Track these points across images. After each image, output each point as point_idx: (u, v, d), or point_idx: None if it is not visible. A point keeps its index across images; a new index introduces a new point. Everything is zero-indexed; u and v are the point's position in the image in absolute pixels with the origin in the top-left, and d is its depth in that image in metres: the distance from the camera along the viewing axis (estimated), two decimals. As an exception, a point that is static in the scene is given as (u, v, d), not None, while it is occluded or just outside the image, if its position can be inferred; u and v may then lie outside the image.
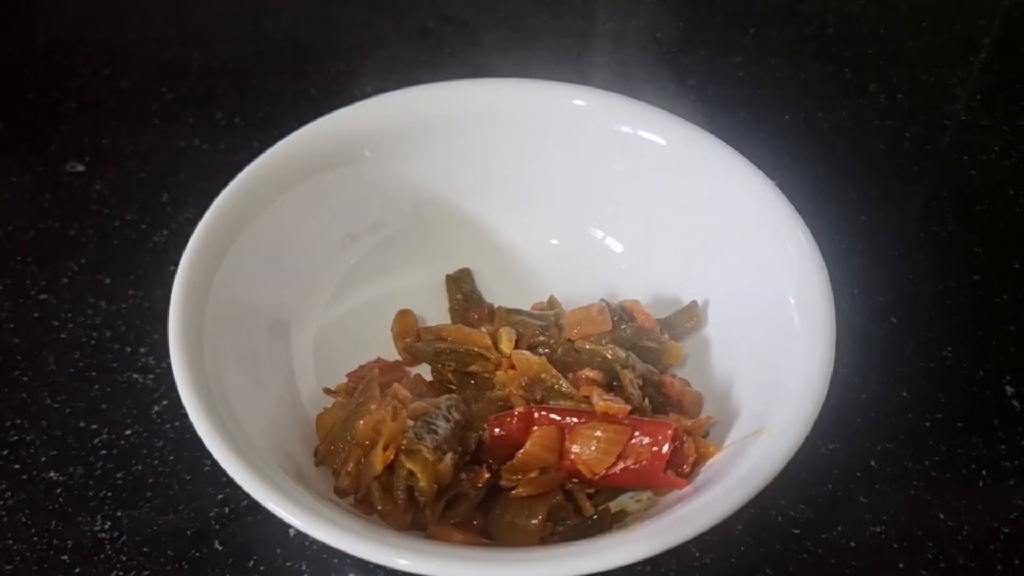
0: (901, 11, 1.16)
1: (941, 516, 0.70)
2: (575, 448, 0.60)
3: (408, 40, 1.11)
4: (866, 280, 0.84)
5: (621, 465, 0.60)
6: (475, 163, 0.78)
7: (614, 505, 0.64)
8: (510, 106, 0.77)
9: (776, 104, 1.03)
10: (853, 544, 0.68)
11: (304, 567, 0.67)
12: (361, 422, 0.63)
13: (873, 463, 0.73)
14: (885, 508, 0.70)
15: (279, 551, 0.67)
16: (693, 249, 0.74)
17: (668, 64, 1.08)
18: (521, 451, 0.61)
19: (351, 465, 0.62)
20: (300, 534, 0.67)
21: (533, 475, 0.61)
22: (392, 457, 0.60)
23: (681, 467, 0.62)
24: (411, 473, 0.60)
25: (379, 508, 0.61)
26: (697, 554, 0.67)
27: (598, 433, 0.60)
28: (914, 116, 1.02)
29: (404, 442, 0.60)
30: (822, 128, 1.00)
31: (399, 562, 0.52)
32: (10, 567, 0.66)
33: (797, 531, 0.69)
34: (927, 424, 0.75)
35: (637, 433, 0.61)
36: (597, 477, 0.61)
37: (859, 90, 1.05)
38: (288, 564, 0.67)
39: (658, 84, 1.05)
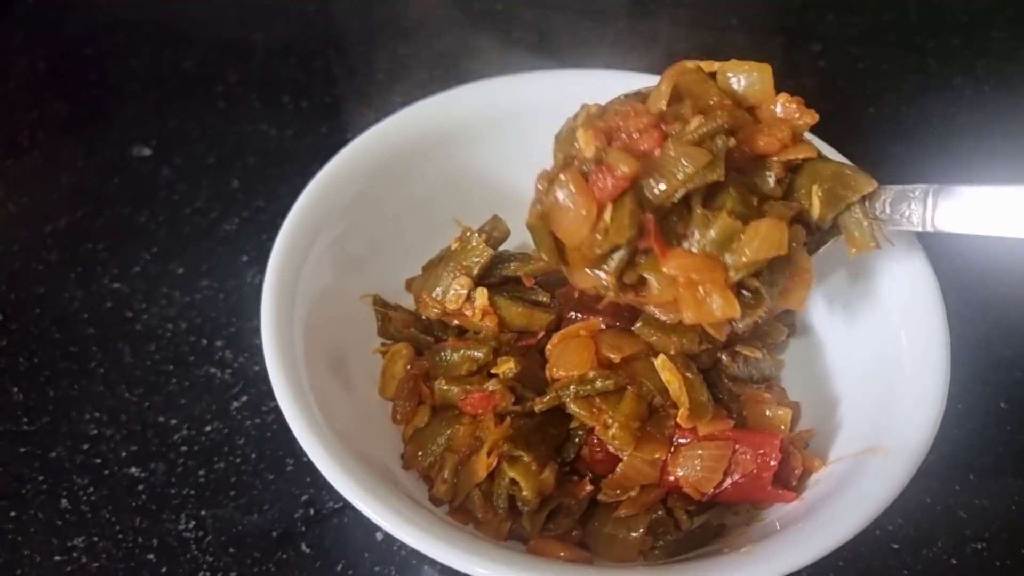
0: (985, -1, 1.13)
1: (1045, 534, 0.68)
2: (679, 471, 0.59)
3: (476, 23, 1.08)
4: (958, 285, 0.81)
5: (728, 481, 0.58)
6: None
7: (714, 518, 0.62)
8: (605, 99, 0.74)
9: (858, 97, 1.00)
10: (954, 561, 0.67)
11: (393, 572, 0.65)
12: (459, 427, 0.61)
13: (972, 477, 0.71)
14: (986, 524, 0.68)
15: (367, 555, 0.66)
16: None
17: (744, 52, 1.04)
18: (622, 464, 0.59)
19: (447, 472, 0.61)
20: (388, 538, 0.66)
21: (634, 493, 0.59)
22: (495, 464, 0.59)
23: (789, 481, 0.60)
24: (513, 482, 0.58)
25: (479, 516, 0.60)
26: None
27: (700, 452, 0.59)
28: (1002, 111, 0.98)
29: (505, 447, 0.59)
30: (907, 123, 0.97)
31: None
32: (97, 564, 0.65)
33: (896, 546, 0.67)
34: (1027, 437, 0.73)
35: (739, 446, 0.59)
36: (706, 498, 0.59)
37: (944, 83, 1.02)
38: (376, 569, 0.65)
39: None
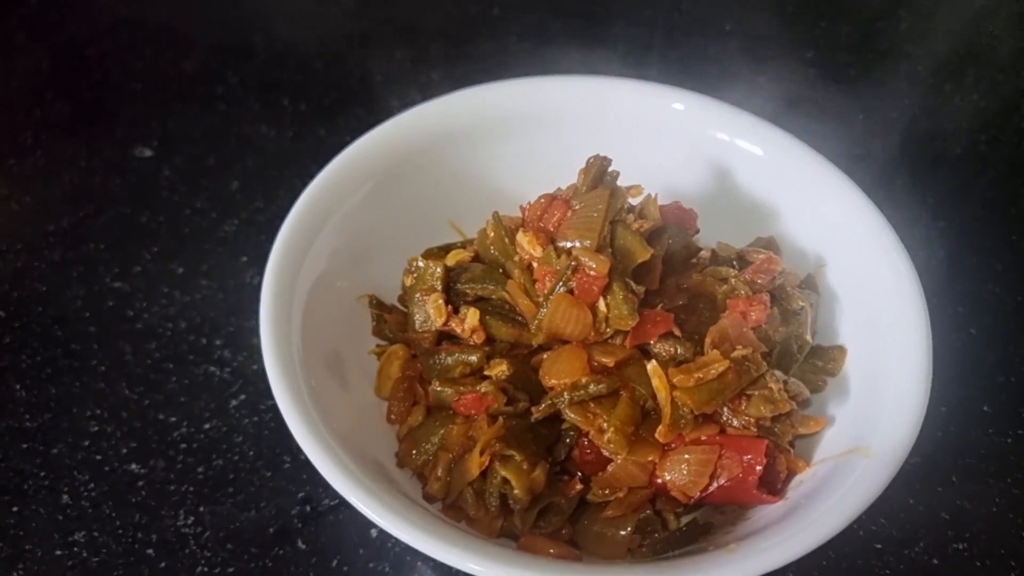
0: (975, 6, 1.14)
1: (1024, 535, 0.70)
2: (667, 476, 0.60)
3: (474, 26, 1.10)
4: (944, 288, 0.83)
5: (715, 485, 0.60)
6: (563, 160, 0.76)
7: (701, 517, 0.64)
8: (603, 105, 0.76)
9: (848, 103, 1.01)
10: (936, 561, 0.68)
11: (387, 568, 0.67)
12: (453, 427, 0.62)
13: (954, 479, 0.72)
14: (967, 525, 0.70)
15: (362, 551, 0.68)
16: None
17: (737, 58, 1.06)
18: (613, 465, 0.61)
19: (440, 470, 0.62)
20: (382, 535, 0.68)
21: (622, 494, 0.61)
22: (487, 463, 0.60)
23: (774, 483, 0.61)
24: (505, 481, 0.60)
25: (471, 514, 0.61)
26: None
27: (687, 456, 0.60)
28: (991, 119, 1.00)
29: (497, 447, 0.60)
30: (897, 129, 0.99)
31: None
32: (97, 559, 0.67)
33: (879, 546, 0.69)
34: (1009, 440, 0.75)
35: (725, 450, 0.61)
36: (693, 501, 0.60)
37: (934, 90, 1.03)
38: (371, 565, 0.67)
39: (727, 79, 1.03)
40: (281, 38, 1.08)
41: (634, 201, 0.67)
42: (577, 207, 0.64)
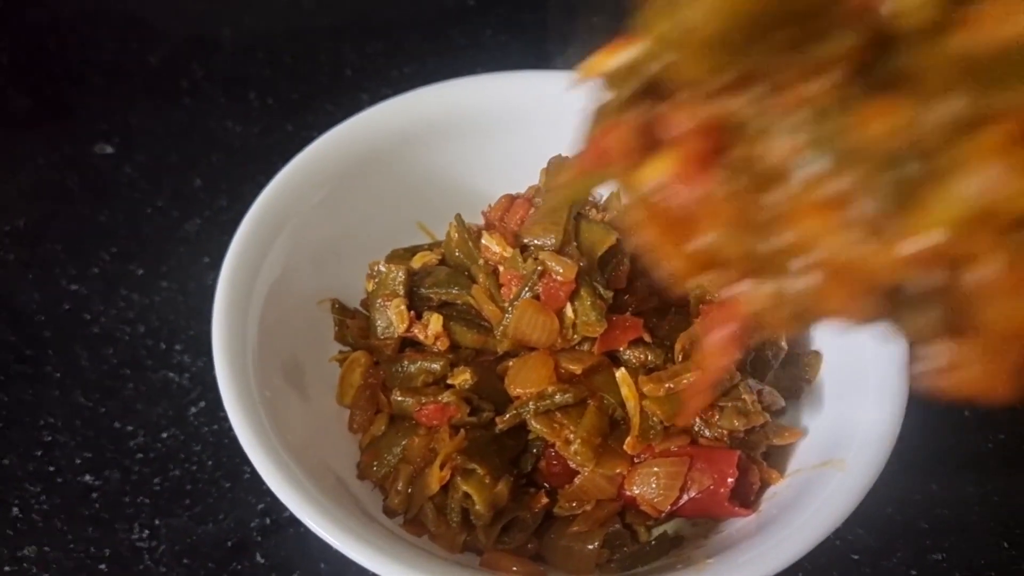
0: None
1: (1005, 545, 0.68)
2: (636, 489, 0.58)
3: (447, 19, 1.07)
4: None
5: (685, 497, 0.58)
6: (538, 157, 0.73)
7: (671, 529, 0.62)
8: (575, 100, 0.73)
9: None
10: (914, 572, 0.66)
11: (349, 583, 0.65)
12: (415, 438, 0.60)
13: (934, 487, 0.70)
14: (946, 535, 0.68)
15: (323, 565, 0.65)
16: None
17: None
18: (580, 477, 0.59)
19: (401, 483, 0.60)
20: (344, 548, 0.65)
21: (589, 507, 0.59)
22: (447, 477, 0.58)
23: (747, 495, 0.59)
24: (466, 495, 0.58)
25: (432, 529, 0.59)
26: (753, 581, 0.65)
27: (656, 469, 0.58)
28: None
29: (459, 460, 0.58)
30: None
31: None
32: (47, 575, 0.64)
33: (856, 557, 0.67)
34: (990, 446, 0.73)
35: (696, 462, 0.59)
36: (663, 515, 0.58)
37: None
38: (332, 580, 0.65)
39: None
40: (249, 31, 1.04)
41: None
42: (540, 204, 0.62)
